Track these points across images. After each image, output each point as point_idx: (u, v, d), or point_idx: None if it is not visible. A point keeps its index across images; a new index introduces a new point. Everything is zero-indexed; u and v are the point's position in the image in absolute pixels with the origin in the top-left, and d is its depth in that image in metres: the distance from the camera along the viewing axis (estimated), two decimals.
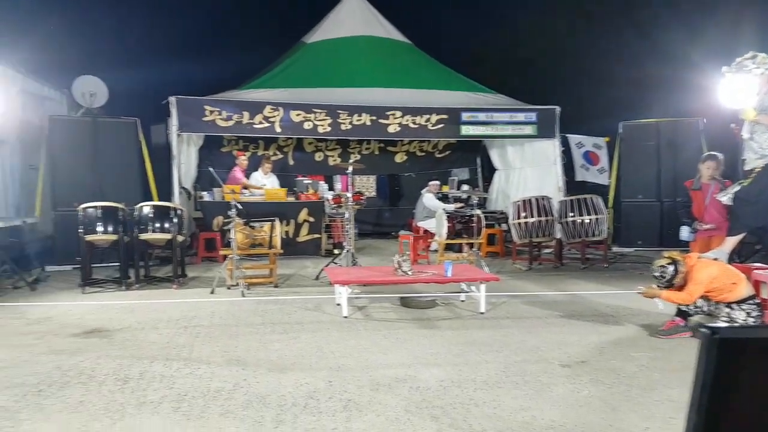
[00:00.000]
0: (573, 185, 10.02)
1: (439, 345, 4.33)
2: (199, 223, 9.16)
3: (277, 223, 6.98)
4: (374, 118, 9.32)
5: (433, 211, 8.74)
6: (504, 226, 9.54)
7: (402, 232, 9.82)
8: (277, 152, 11.28)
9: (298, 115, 9.09)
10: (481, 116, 9.65)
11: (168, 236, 6.70)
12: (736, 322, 4.24)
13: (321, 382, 3.53)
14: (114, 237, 6.62)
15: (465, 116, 9.59)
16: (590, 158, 10.80)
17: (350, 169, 7.10)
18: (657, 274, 4.48)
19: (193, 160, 9.71)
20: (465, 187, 10.29)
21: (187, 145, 9.36)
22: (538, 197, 8.22)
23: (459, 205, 9.29)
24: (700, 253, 4.93)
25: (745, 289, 4.32)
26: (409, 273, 5.39)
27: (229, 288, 6.55)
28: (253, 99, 9.20)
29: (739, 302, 4.28)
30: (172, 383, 3.53)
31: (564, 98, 10.13)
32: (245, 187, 9.01)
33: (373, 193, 12.47)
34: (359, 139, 11.20)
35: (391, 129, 9.44)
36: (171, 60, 11.71)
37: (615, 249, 9.39)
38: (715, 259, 4.78)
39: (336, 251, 8.85)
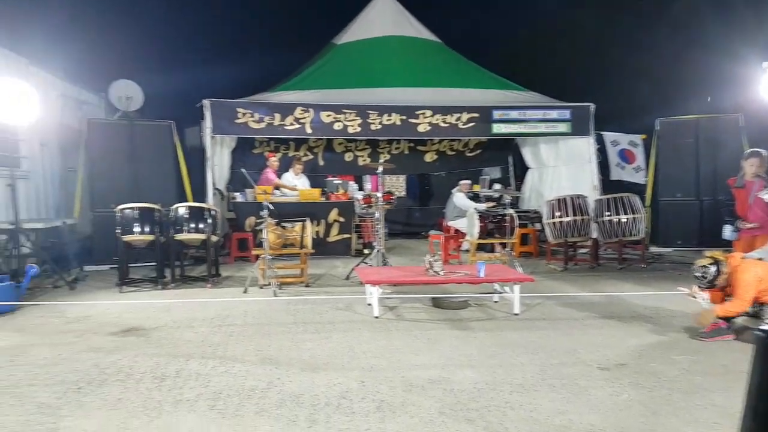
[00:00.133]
0: (608, 184, 9.80)
1: (473, 346, 4.28)
2: (232, 223, 9.28)
3: (308, 223, 7.01)
4: (404, 117, 9.30)
5: (464, 210, 8.66)
6: (537, 226, 9.40)
7: (432, 232, 9.76)
8: (308, 153, 11.36)
9: (328, 116, 9.13)
10: (513, 114, 9.52)
11: (202, 236, 6.79)
12: None
13: (353, 382, 3.52)
14: (150, 237, 6.74)
15: (496, 114, 9.48)
16: (626, 156, 10.54)
17: (380, 169, 7.09)
18: (698, 274, 4.35)
19: (226, 162, 9.85)
20: (497, 186, 10.16)
21: (221, 147, 9.50)
22: (573, 196, 8.07)
23: (491, 204, 9.17)
24: (743, 253, 4.75)
25: None
26: (441, 273, 5.34)
27: (261, 287, 6.61)
28: (284, 101, 9.29)
29: None
30: (207, 381, 3.57)
31: (598, 95, 9.93)
32: (277, 188, 9.09)
33: (403, 193, 12.43)
34: (389, 139, 11.18)
35: (421, 128, 9.39)
36: (204, 63, 11.95)
37: (653, 249, 9.16)
38: (760, 259, 4.60)
39: (366, 251, 8.85)
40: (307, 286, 6.76)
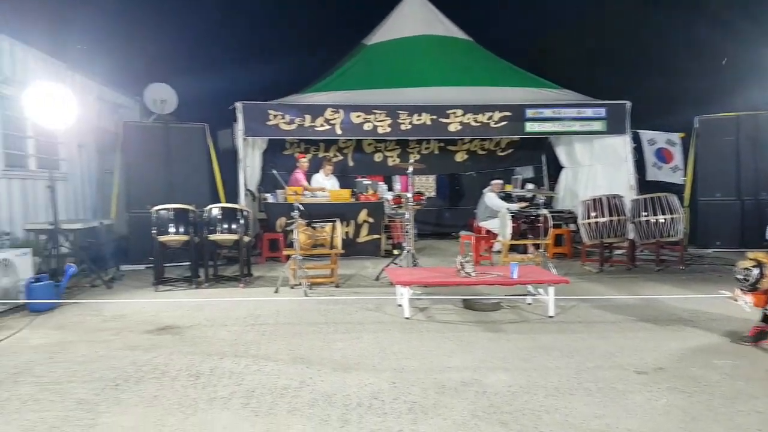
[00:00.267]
0: (644, 184, 9.56)
1: (506, 349, 4.22)
2: (263, 223, 9.37)
3: (338, 223, 7.03)
4: (434, 117, 9.23)
5: (495, 211, 8.56)
6: (572, 226, 9.23)
7: (463, 233, 9.67)
8: (337, 154, 11.40)
9: (358, 116, 9.14)
10: (547, 112, 9.36)
11: (235, 237, 6.87)
12: None
13: (385, 383, 3.51)
14: (185, 237, 6.85)
15: (529, 113, 9.33)
16: (663, 156, 10.27)
17: (410, 169, 7.06)
18: (740, 276, 4.20)
19: (258, 163, 9.96)
20: (530, 186, 10.02)
21: (252, 149, 9.61)
22: (609, 196, 7.89)
23: (523, 204, 9.03)
24: None
25: None
26: (473, 274, 5.28)
27: (292, 287, 6.65)
28: (314, 102, 9.33)
29: None
30: (241, 379, 3.61)
31: (635, 92, 9.69)
32: (305, 190, 9.15)
33: (433, 193, 12.35)
34: (418, 139, 11.14)
35: (452, 128, 9.32)
36: (236, 66, 12.12)
37: (691, 250, 8.89)
38: None
39: (395, 252, 8.83)
40: (337, 286, 6.78)
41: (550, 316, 5.13)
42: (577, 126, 9.45)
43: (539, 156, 11.93)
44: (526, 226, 7.21)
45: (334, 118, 9.12)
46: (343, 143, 11.32)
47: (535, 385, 3.46)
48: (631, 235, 7.98)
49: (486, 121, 9.31)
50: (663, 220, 7.57)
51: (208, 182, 8.96)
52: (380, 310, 5.51)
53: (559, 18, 13.26)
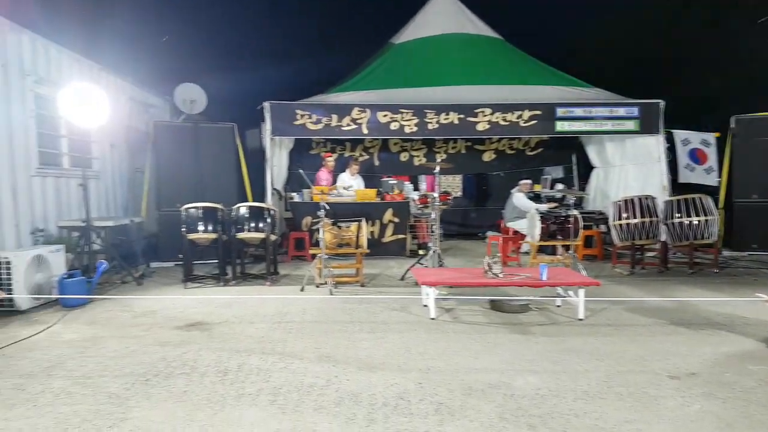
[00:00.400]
0: (676, 186, 9.34)
1: (534, 351, 4.16)
2: (289, 222, 9.43)
3: (364, 223, 7.03)
4: (462, 116, 9.16)
5: (523, 211, 8.45)
6: (602, 228, 9.07)
7: (490, 233, 9.58)
8: (363, 153, 11.41)
9: (384, 116, 9.13)
10: (578, 111, 9.21)
11: (262, 235, 6.93)
12: None
13: (411, 383, 3.49)
14: (213, 236, 6.94)
15: (560, 111, 9.19)
16: (697, 156, 10.01)
17: (437, 168, 7.02)
18: None
19: (284, 163, 10.03)
20: (559, 186, 9.86)
21: (279, 149, 9.67)
22: (641, 197, 7.73)
23: (553, 204, 8.90)
24: None
25: None
26: (500, 275, 5.22)
27: (317, 286, 6.68)
28: (341, 102, 9.35)
29: None
30: (268, 377, 3.63)
31: (668, 91, 9.46)
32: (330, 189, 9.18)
33: (459, 193, 12.27)
34: (445, 138, 11.07)
35: (480, 127, 9.23)
36: (264, 66, 12.21)
37: (726, 253, 8.67)
38: None
39: (421, 252, 8.79)
40: (362, 285, 6.78)
41: (580, 319, 5.04)
42: (609, 125, 9.28)
43: (569, 156, 11.73)
44: (555, 227, 7.10)
45: (361, 118, 9.12)
46: (369, 143, 11.33)
47: (564, 388, 3.41)
48: (664, 237, 7.81)
49: (515, 120, 9.20)
50: (697, 222, 7.38)
51: (236, 181, 9.06)
52: (406, 310, 5.49)
53: (591, 15, 13.01)
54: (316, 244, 6.82)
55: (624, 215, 7.70)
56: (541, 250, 7.91)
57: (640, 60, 12.42)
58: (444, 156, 11.24)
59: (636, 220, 7.60)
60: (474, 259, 8.78)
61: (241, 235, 6.93)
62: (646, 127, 9.24)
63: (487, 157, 11.76)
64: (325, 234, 6.64)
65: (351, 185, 9.47)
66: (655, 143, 9.29)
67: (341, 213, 7.92)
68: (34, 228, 6.61)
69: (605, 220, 8.82)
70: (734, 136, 9.20)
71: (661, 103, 9.22)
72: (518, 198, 8.80)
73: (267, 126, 9.02)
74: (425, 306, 5.38)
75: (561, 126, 9.25)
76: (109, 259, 6.85)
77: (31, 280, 5.63)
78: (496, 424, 2.92)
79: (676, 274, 7.52)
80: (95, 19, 9.80)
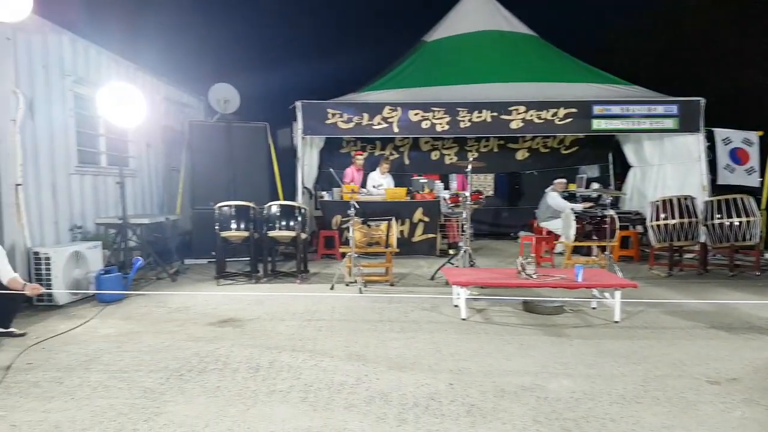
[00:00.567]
0: (715, 188, 9.05)
1: (569, 354, 4.07)
2: (319, 221, 9.48)
3: (394, 222, 7.00)
4: (495, 114, 9.05)
5: (557, 211, 8.31)
6: (639, 228, 8.86)
7: (523, 233, 9.44)
8: (393, 152, 11.38)
9: (416, 114, 9.09)
10: (615, 109, 9.01)
11: (293, 234, 6.97)
12: None
13: (441, 384, 3.46)
14: (245, 233, 7.02)
15: (596, 109, 9.01)
16: (737, 156, 9.66)
17: (469, 167, 6.94)
18: None
19: (315, 162, 10.09)
20: (595, 186, 9.66)
21: (310, 147, 9.73)
22: (680, 197, 7.53)
23: (588, 204, 8.73)
24: None
25: None
26: (534, 276, 5.12)
27: (347, 285, 6.69)
28: (372, 100, 9.35)
29: None
30: (299, 374, 3.64)
31: (709, 89, 9.17)
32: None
33: (491, 192, 12.12)
34: (477, 137, 10.96)
35: (513, 125, 9.10)
36: (296, 66, 12.32)
37: None
38: None
39: (451, 251, 8.72)
40: (391, 285, 6.75)
41: (616, 321, 4.93)
42: (647, 124, 9.05)
43: (606, 154, 11.49)
44: (591, 227, 6.95)
45: (392, 116, 9.10)
46: (400, 141, 11.30)
47: (599, 392, 3.34)
48: (703, 239, 7.57)
49: (550, 117, 9.05)
50: (738, 223, 7.15)
51: (267, 180, 9.14)
52: (436, 310, 5.45)
53: (628, 11, 12.72)
54: (346, 243, 6.83)
55: (662, 216, 7.51)
56: (576, 250, 7.76)
57: (680, 56, 12.07)
58: (476, 154, 11.13)
59: (674, 221, 7.39)
60: (506, 259, 8.67)
61: (272, 233, 6.99)
62: (686, 125, 8.99)
63: (521, 155, 11.60)
64: (355, 233, 6.64)
65: (381, 184, 9.46)
66: (695, 142, 9.04)
67: (371, 212, 7.91)
68: (72, 225, 6.78)
69: (642, 221, 8.63)
70: None
71: (702, 100, 8.95)
72: (553, 197, 8.64)
73: (298, 125, 9.09)
74: (456, 306, 5.34)
75: (597, 124, 9.06)
76: (145, 256, 6.98)
77: (69, 276, 5.78)
78: (529, 427, 2.87)
79: (715, 276, 7.31)
80: (132, 20, 10.04)
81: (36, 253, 5.64)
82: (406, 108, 9.10)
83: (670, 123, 9.02)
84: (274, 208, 7.08)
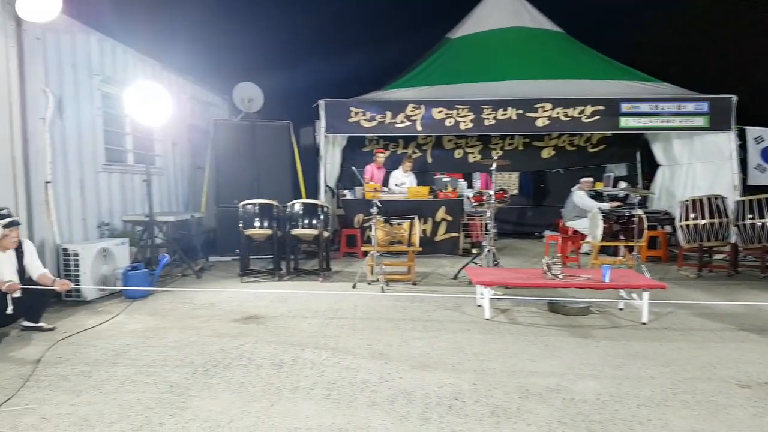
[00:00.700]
0: (746, 188, 8.81)
1: (595, 355, 4.01)
2: (341, 219, 9.49)
3: (416, 220, 6.97)
4: (521, 111, 8.93)
5: (583, 210, 8.18)
6: (668, 228, 8.68)
7: (548, 233, 9.31)
8: (416, 150, 11.33)
9: (439, 112, 9.02)
10: (644, 107, 8.81)
11: (315, 232, 7.00)
12: None
13: (465, 384, 3.43)
14: (269, 231, 7.06)
15: (625, 107, 8.82)
16: None
17: (494, 166, 6.88)
18: None
19: (337, 160, 10.09)
20: (623, 185, 9.48)
21: (332, 146, 9.74)
22: (710, 196, 7.35)
23: (615, 204, 8.57)
24: None
25: None
26: (560, 277, 5.04)
27: (369, 283, 6.68)
28: (395, 98, 9.31)
29: None
30: (322, 371, 3.65)
31: (741, 86, 8.92)
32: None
33: (515, 191, 12.00)
34: (502, 135, 10.85)
35: (539, 123, 8.97)
36: (319, 64, 12.35)
37: None
38: None
39: (474, 251, 8.65)
40: (414, 284, 6.73)
41: (644, 323, 4.83)
42: (676, 121, 8.83)
43: (633, 153, 11.27)
44: (618, 227, 6.83)
45: (415, 114, 9.05)
46: (423, 139, 11.24)
47: (626, 394, 3.28)
48: (734, 239, 7.38)
49: (577, 115, 8.90)
50: None
51: (290, 178, 9.19)
52: (459, 309, 5.41)
53: (656, 5, 12.43)
54: (368, 241, 6.82)
55: (691, 215, 7.34)
56: (603, 250, 7.65)
57: (711, 52, 11.77)
58: (500, 153, 11.01)
59: (704, 221, 7.22)
60: (530, 259, 8.58)
61: (294, 232, 7.02)
62: (717, 123, 8.76)
63: (546, 153, 11.44)
64: (378, 231, 6.63)
65: (404, 182, 9.42)
66: (726, 140, 8.80)
67: (393, 210, 7.89)
68: (100, 222, 6.89)
69: (671, 221, 8.45)
70: None
71: (734, 98, 8.71)
72: (579, 197, 8.51)
73: (321, 123, 9.09)
74: (479, 306, 5.30)
75: (625, 122, 8.88)
76: (171, 253, 7.07)
77: (97, 272, 5.89)
78: (555, 428, 2.84)
79: (746, 278, 7.12)
80: (158, 20, 10.16)
81: (65, 250, 5.75)
82: (429, 106, 9.04)
83: (700, 121, 8.80)
84: (297, 206, 7.12)
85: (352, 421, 2.90)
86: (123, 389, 3.36)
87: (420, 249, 6.98)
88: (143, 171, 6.91)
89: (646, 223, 6.84)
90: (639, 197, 7.07)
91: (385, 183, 9.58)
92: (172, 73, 9.05)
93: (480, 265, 6.80)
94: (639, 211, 6.68)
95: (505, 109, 8.94)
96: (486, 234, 7.01)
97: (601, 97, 8.90)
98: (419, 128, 9.13)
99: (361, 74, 11.45)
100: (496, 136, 10.85)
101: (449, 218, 9.05)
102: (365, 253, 6.96)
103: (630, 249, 6.80)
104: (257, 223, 7.03)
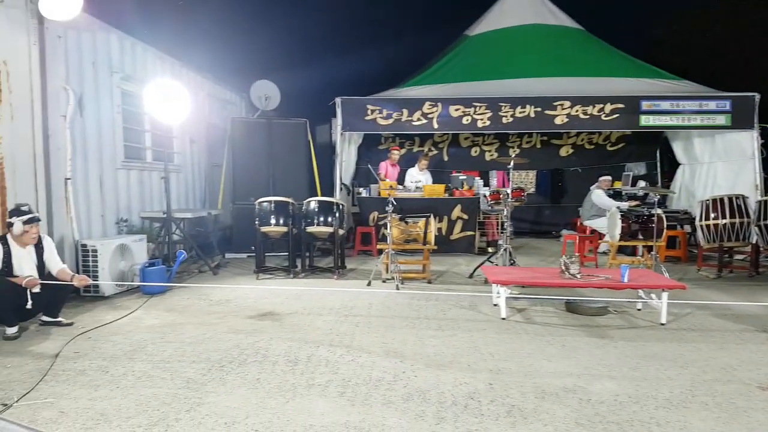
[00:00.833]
0: (767, 188, 8.64)
1: (613, 356, 3.95)
2: (356, 217, 9.49)
3: (432, 219, 6.95)
4: (539, 109, 8.85)
5: (601, 209, 8.09)
6: (687, 228, 8.55)
7: (565, 232, 9.22)
8: (432, 148, 11.30)
9: (457, 109, 8.97)
10: (665, 105, 8.68)
11: (330, 229, 7.01)
12: None
13: (481, 383, 3.41)
14: (284, 229, 7.09)
15: (645, 105, 8.69)
16: None
17: (512, 164, 6.82)
18: None
19: (353, 158, 10.10)
20: (641, 183, 9.34)
21: (348, 144, 9.74)
22: (731, 196, 7.22)
23: (634, 203, 8.46)
24: None
25: None
26: (578, 276, 4.99)
27: (384, 281, 6.68)
28: (412, 96, 9.27)
29: None
30: (336, 369, 3.65)
31: (764, 84, 8.74)
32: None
33: (532, 189, 11.90)
34: (519, 133, 10.76)
35: (558, 121, 8.88)
36: (335, 62, 12.37)
37: None
38: None
39: (490, 249, 8.60)
40: (429, 282, 6.71)
41: (663, 324, 4.76)
42: (698, 120, 8.69)
43: (653, 151, 11.11)
44: (637, 227, 6.74)
45: (432, 112, 9.01)
46: (439, 137, 11.20)
47: (644, 395, 3.24)
48: (755, 240, 7.24)
49: (596, 113, 8.79)
50: None
51: (306, 176, 9.21)
52: (475, 308, 5.38)
53: (679, 4, 12.22)
54: (383, 239, 6.82)
55: (712, 215, 7.22)
56: (621, 250, 7.55)
57: (733, 50, 11.55)
58: (518, 151, 10.90)
59: (725, 221, 7.10)
60: (547, 258, 8.51)
61: (310, 229, 7.03)
62: (739, 121, 8.60)
63: (564, 152, 11.34)
64: (393, 229, 6.62)
65: (419, 180, 9.40)
66: (748, 139, 8.64)
67: (408, 208, 7.87)
68: (118, 218, 6.97)
69: (691, 220, 8.33)
70: None
71: (756, 96, 8.54)
72: (597, 195, 8.41)
73: (338, 121, 9.11)
74: (495, 305, 5.26)
75: (645, 120, 8.75)
76: (188, 249, 7.14)
77: (115, 268, 5.96)
78: (572, 429, 2.80)
79: (767, 278, 6.99)
80: (177, 18, 10.24)
81: (84, 246, 5.83)
82: (446, 103, 8.99)
83: (722, 119, 8.64)
84: (313, 204, 7.13)
85: (366, 419, 2.90)
86: (140, 384, 3.40)
87: (435, 247, 6.96)
88: (161, 168, 6.98)
89: (665, 223, 6.74)
90: (658, 196, 6.97)
91: (400, 181, 9.57)
92: (190, 71, 9.12)
93: (495, 264, 6.76)
94: (658, 211, 6.58)
95: (524, 107, 8.86)
96: (502, 232, 6.97)
97: (621, 95, 8.78)
98: (436, 126, 9.09)
99: (378, 72, 11.44)
100: (513, 134, 10.78)
101: (465, 216, 9.01)
102: (380, 251, 6.95)
103: (649, 249, 6.71)
104: (273, 221, 7.05)
